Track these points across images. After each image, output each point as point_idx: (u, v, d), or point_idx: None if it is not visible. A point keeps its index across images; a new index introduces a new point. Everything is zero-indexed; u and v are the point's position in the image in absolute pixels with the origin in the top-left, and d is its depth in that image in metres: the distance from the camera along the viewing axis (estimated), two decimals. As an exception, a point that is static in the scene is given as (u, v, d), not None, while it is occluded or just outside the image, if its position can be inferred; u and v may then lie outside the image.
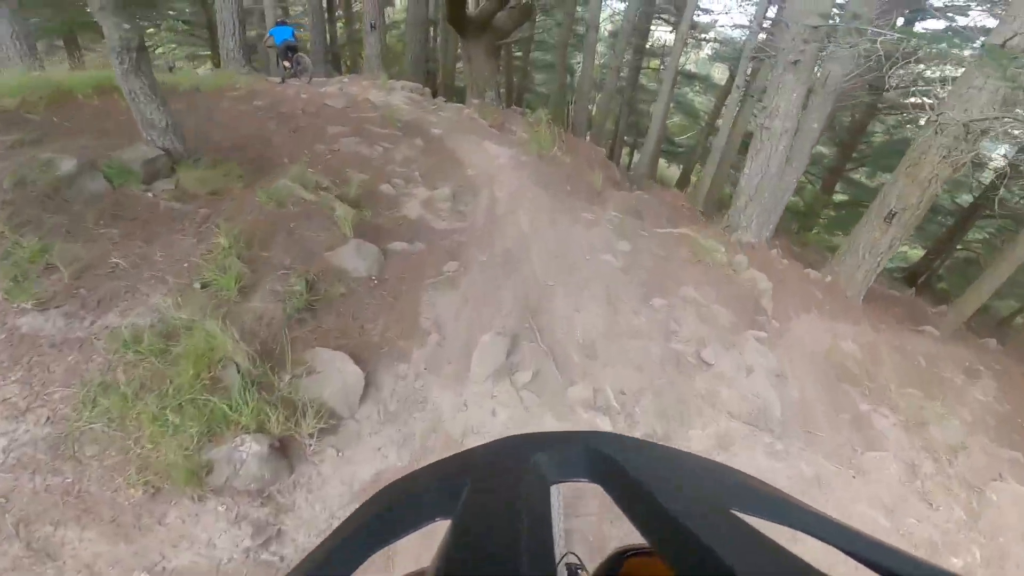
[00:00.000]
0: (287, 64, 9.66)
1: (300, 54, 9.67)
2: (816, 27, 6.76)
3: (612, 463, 0.32)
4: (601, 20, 15.29)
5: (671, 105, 15.21)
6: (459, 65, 15.55)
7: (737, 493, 0.33)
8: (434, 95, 16.25)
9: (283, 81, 9.65)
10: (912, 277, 13.76)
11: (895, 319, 7.19)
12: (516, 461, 0.33)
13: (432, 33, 17.86)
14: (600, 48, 16.95)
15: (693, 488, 0.31)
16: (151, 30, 16.67)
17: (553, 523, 0.27)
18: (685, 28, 11.93)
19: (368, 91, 9.75)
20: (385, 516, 0.33)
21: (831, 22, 6.68)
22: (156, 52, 16.25)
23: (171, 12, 19.57)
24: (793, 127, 7.68)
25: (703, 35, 18.08)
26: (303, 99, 8.04)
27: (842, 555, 0.29)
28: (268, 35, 9.83)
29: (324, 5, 19.54)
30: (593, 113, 16.58)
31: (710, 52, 19.85)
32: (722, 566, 0.21)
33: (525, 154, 7.50)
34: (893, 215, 7.18)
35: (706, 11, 18.70)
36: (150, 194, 4.14)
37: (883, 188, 7.33)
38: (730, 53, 18.36)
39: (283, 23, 9.86)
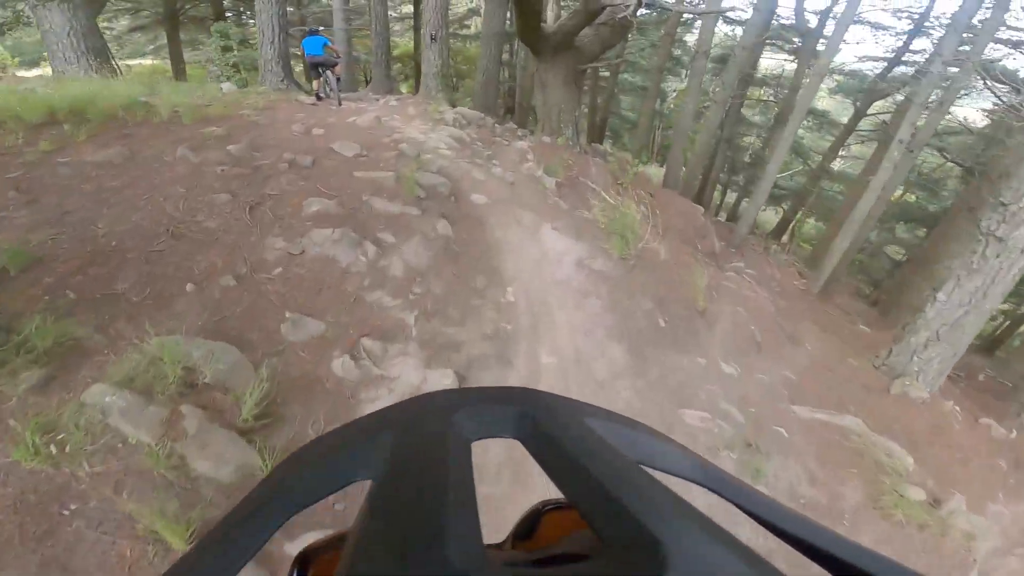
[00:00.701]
0: (316, 81, 7.60)
1: (328, 72, 7.47)
2: None
3: (530, 420, 0.30)
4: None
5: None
6: (538, 85, 12.78)
7: (647, 449, 0.32)
8: (511, 114, 13.62)
9: (317, 101, 7.48)
10: (994, 344, 11.53)
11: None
12: (438, 418, 0.30)
13: (515, 45, 15.27)
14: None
15: (605, 444, 0.29)
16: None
17: None
18: (825, 64, 8.55)
19: (411, 122, 7.28)
20: (300, 477, 0.29)
21: None
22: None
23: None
24: (1050, 246, 4.40)
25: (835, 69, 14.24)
26: (313, 137, 5.66)
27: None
28: (301, 45, 7.70)
29: (412, 11, 17.41)
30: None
31: (832, 84, 15.84)
32: (627, 515, 0.22)
33: (602, 254, 4.69)
34: None
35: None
36: None
37: None
38: (855, 86, 14.86)
39: (314, 33, 7.63)
